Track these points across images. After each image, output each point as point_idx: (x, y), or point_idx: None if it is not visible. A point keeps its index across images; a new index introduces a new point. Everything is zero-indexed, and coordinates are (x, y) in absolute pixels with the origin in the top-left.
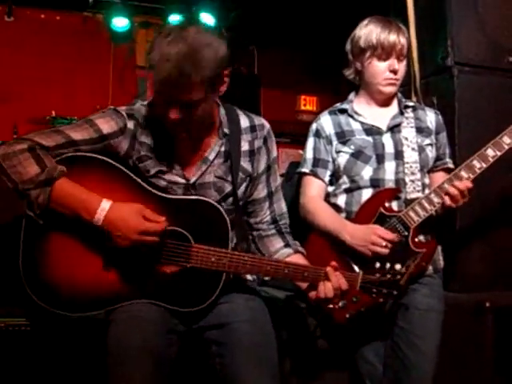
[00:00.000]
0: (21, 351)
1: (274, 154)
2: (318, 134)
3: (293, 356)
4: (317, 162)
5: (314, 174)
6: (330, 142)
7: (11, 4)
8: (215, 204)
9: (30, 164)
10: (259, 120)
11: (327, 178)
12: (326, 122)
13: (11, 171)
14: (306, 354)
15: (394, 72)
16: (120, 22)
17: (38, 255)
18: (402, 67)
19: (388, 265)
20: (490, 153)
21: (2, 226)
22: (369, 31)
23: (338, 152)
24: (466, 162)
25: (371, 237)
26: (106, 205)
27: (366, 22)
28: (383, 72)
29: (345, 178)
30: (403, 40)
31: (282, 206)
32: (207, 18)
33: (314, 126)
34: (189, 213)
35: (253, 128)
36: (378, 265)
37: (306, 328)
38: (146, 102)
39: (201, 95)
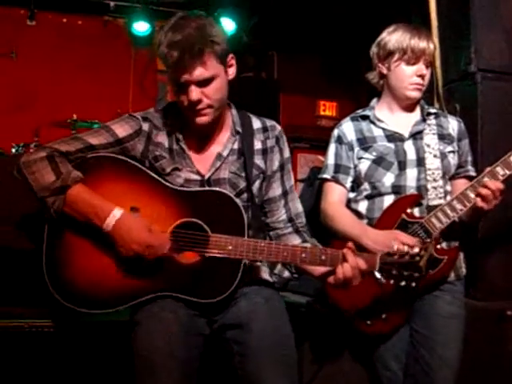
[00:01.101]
0: (44, 352)
1: (287, 153)
2: (339, 140)
3: (314, 359)
4: (338, 168)
5: (335, 180)
6: (351, 148)
7: (33, 8)
8: (229, 194)
9: (47, 172)
10: (270, 122)
11: (349, 184)
12: (347, 129)
13: (30, 178)
14: (326, 358)
15: (422, 77)
16: (141, 27)
17: (60, 254)
18: (428, 74)
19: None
20: None
21: (27, 227)
22: (399, 35)
23: (359, 158)
24: (490, 168)
25: (393, 242)
26: (117, 212)
27: (392, 27)
28: (410, 76)
29: (366, 185)
30: (432, 47)
31: (297, 205)
32: (228, 24)
33: (335, 132)
34: (204, 204)
35: (265, 129)
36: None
37: (327, 332)
38: (159, 109)
39: (214, 70)
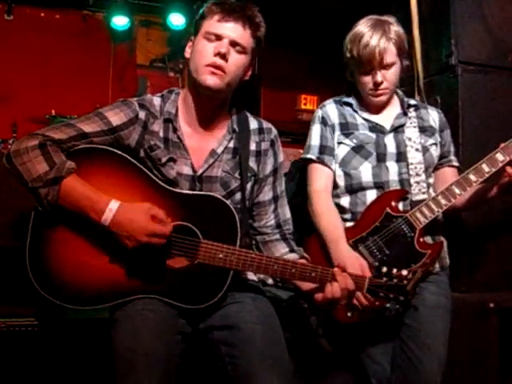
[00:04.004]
0: (22, 353)
1: (281, 158)
2: (324, 122)
3: (296, 356)
4: (324, 149)
5: (321, 161)
6: (333, 131)
7: (11, 2)
8: (225, 201)
9: (39, 162)
10: (267, 124)
11: (334, 166)
12: (331, 111)
13: (21, 168)
14: (309, 354)
15: (378, 84)
16: (120, 21)
17: (45, 248)
18: (389, 74)
19: (394, 270)
20: (500, 157)
21: (10, 224)
22: (350, 43)
23: (339, 143)
24: (476, 165)
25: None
26: (114, 205)
27: (355, 27)
28: (368, 84)
29: (339, 171)
30: (388, 45)
31: (286, 211)
32: None
33: (319, 113)
34: (199, 208)
35: (261, 130)
36: (384, 269)
37: (309, 327)
38: (157, 95)
39: (249, 47)
